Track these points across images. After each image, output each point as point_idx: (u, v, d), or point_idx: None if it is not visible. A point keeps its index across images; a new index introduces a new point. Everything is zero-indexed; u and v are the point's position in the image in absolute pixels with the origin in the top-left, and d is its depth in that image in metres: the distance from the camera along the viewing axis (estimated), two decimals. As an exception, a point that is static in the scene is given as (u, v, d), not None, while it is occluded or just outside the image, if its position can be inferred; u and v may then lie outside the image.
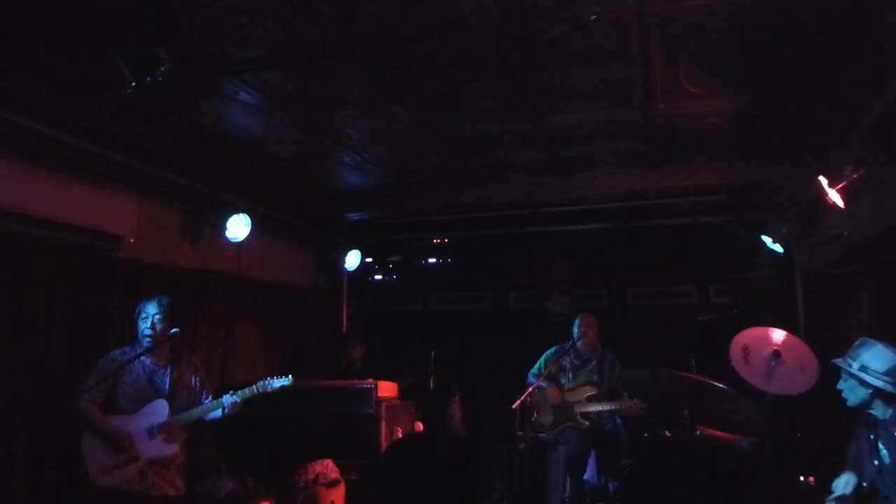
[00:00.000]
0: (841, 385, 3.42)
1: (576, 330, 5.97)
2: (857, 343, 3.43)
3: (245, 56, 3.86)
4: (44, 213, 4.19)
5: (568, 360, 6.03)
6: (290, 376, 4.40)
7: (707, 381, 3.19)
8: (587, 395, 5.84)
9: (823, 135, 4.76)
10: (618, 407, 5.66)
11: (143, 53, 3.16)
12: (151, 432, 4.07)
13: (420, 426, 5.88)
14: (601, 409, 5.77)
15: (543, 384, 5.83)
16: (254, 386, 4.31)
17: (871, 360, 3.25)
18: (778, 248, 5.52)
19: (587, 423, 5.79)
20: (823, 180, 4.32)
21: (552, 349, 6.16)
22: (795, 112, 4.61)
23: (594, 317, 6.02)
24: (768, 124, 4.85)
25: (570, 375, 6.00)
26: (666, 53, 3.89)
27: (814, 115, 4.60)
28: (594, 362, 5.97)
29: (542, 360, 6.12)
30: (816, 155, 4.86)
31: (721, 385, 3.25)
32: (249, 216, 5.67)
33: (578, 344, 5.97)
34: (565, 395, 5.90)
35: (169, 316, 4.22)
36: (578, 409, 5.80)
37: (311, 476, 5.12)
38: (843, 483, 3.35)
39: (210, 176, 5.57)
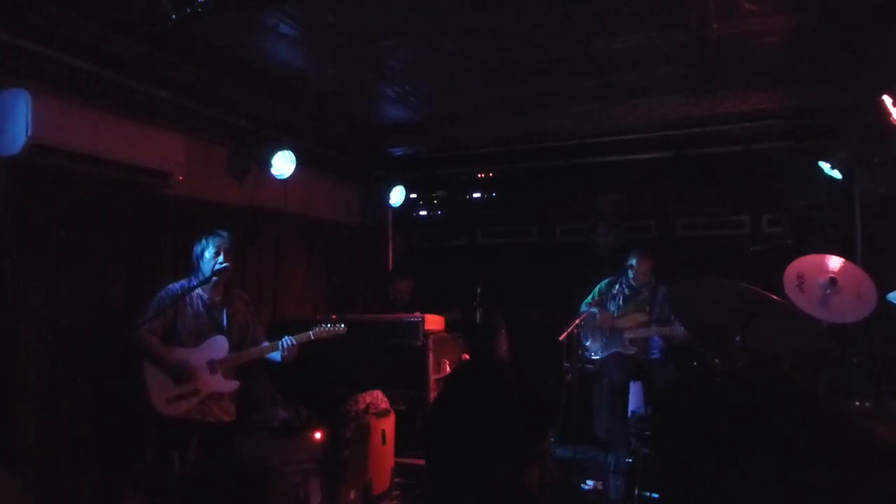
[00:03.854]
0: None
1: (632, 265, 5.92)
2: None
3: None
4: (95, 151, 4.24)
5: (619, 288, 6.02)
6: (343, 325, 4.60)
7: (762, 293, 3.11)
8: (637, 321, 5.83)
9: (887, 52, 4.50)
10: (667, 332, 5.64)
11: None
12: (212, 367, 4.22)
13: (467, 358, 5.96)
14: (649, 333, 5.76)
15: (594, 310, 5.87)
16: (310, 332, 4.48)
17: None
18: (836, 174, 5.31)
19: (635, 349, 5.79)
20: (888, 99, 4.10)
21: (606, 280, 6.14)
22: (857, 29, 4.36)
23: (650, 259, 5.92)
24: (829, 43, 4.59)
25: (620, 302, 5.98)
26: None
27: (877, 31, 4.34)
28: (647, 293, 5.93)
29: (595, 290, 6.12)
30: (879, 74, 4.60)
31: (777, 298, 3.18)
32: (294, 152, 5.68)
33: (632, 280, 5.94)
34: (615, 321, 5.89)
35: (234, 247, 4.35)
36: (628, 336, 5.81)
37: (361, 406, 5.25)
38: None
39: (255, 112, 5.58)
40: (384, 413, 5.32)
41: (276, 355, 4.39)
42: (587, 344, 5.99)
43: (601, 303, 5.97)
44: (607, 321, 5.90)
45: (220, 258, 4.22)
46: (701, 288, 3.60)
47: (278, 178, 5.71)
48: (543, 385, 6.04)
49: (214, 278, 4.23)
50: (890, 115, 4.07)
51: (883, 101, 4.11)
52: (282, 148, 5.63)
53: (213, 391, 4.20)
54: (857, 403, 3.25)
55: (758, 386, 1.24)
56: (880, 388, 3.76)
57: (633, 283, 5.95)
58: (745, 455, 1.16)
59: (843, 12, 4.15)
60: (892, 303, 3.51)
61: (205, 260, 4.25)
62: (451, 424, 1.51)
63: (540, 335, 6.43)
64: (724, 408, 1.21)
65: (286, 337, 4.38)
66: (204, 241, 4.28)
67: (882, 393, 3.63)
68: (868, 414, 3.14)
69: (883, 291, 3.89)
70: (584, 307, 5.96)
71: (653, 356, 5.85)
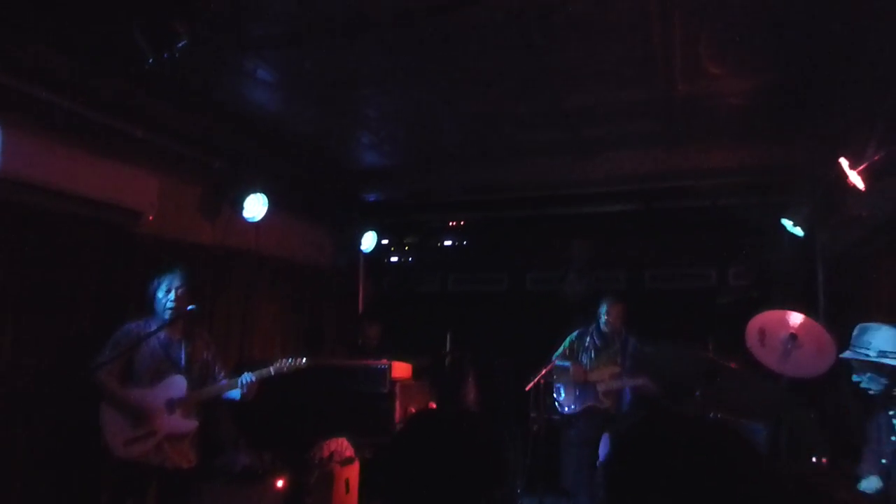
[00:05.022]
0: (857, 377, 3.38)
1: (602, 315, 5.97)
2: (857, 332, 3.39)
3: (263, 32, 3.87)
4: (67, 187, 4.23)
5: (590, 340, 6.05)
6: (304, 359, 4.49)
7: (719, 360, 3.17)
8: (610, 373, 5.84)
9: (846, 115, 4.68)
10: (639, 383, 5.66)
11: (162, 28, 3.17)
12: (170, 407, 4.14)
13: (434, 406, 5.92)
14: (622, 385, 5.78)
15: (567, 363, 5.88)
16: (270, 367, 4.39)
17: (883, 343, 3.22)
18: (798, 231, 5.45)
19: (608, 402, 5.79)
20: (844, 162, 4.25)
21: (575, 332, 6.16)
22: (818, 92, 4.53)
23: (621, 304, 5.98)
24: (790, 104, 4.77)
25: (592, 355, 6.00)
26: (686, 31, 3.83)
27: (837, 94, 4.52)
28: (617, 345, 5.95)
29: (566, 342, 6.12)
30: (839, 135, 4.78)
31: (733, 365, 3.23)
32: (267, 195, 5.68)
33: (603, 328, 5.98)
34: (588, 374, 5.90)
35: (189, 286, 4.29)
36: (601, 388, 5.81)
37: (325, 454, 5.17)
38: (865, 485, 3.31)
39: (229, 153, 5.59)
40: (348, 461, 5.24)
41: (236, 393, 4.31)
42: (561, 399, 5.98)
43: (573, 355, 5.98)
44: (581, 375, 5.89)
45: (172, 296, 4.19)
46: (666, 350, 3.66)
47: (250, 220, 5.70)
48: (508, 434, 6.05)
49: (167, 316, 4.18)
50: (846, 176, 4.21)
51: (840, 163, 4.25)
52: (254, 190, 5.62)
53: (171, 432, 4.11)
54: (814, 459, 3.29)
55: (706, 440, 1.27)
56: (838, 444, 3.81)
57: (603, 331, 5.99)
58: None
59: (802, 76, 4.33)
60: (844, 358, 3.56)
61: (157, 299, 4.22)
62: (405, 474, 1.51)
63: (509, 383, 6.42)
64: (672, 460, 1.23)
65: (245, 373, 4.31)
66: (157, 280, 4.26)
67: (840, 448, 3.68)
68: (822, 472, 3.18)
69: (844, 348, 3.96)
70: (555, 360, 5.96)
71: (623, 409, 5.86)
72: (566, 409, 5.94)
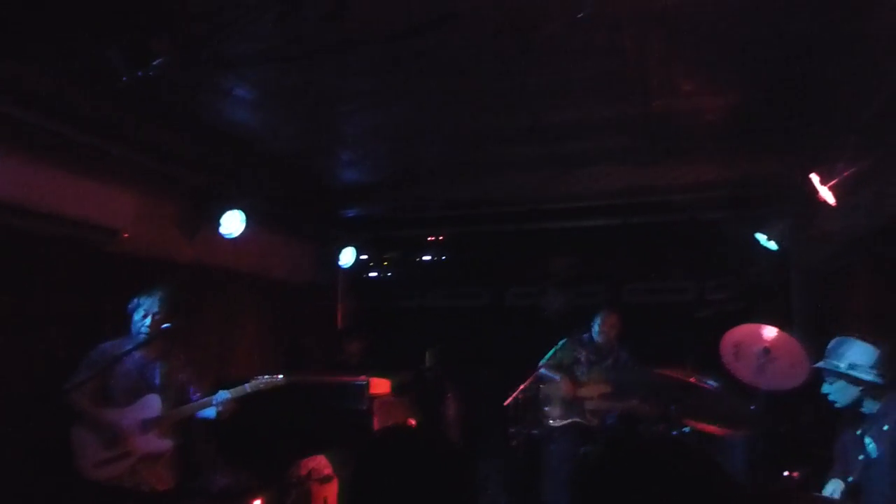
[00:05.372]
0: (827, 388, 3.41)
1: (596, 326, 5.95)
2: (833, 344, 3.43)
3: (241, 51, 3.87)
4: (39, 205, 4.19)
5: (584, 353, 5.99)
6: (281, 376, 4.44)
7: (689, 380, 3.20)
8: (600, 392, 5.79)
9: (819, 130, 4.76)
10: (628, 407, 5.62)
11: (138, 46, 3.17)
12: (145, 427, 4.08)
13: (413, 423, 5.89)
14: (610, 407, 5.74)
15: (556, 376, 5.83)
16: (246, 385, 4.34)
17: (856, 356, 3.26)
18: (772, 245, 5.52)
19: (595, 421, 5.75)
20: (815, 178, 4.32)
21: (565, 340, 6.02)
22: (792, 108, 4.61)
23: (616, 315, 5.97)
24: (765, 120, 4.84)
25: (585, 369, 5.94)
26: (661, 50, 3.88)
27: (809, 110, 4.60)
28: (610, 360, 5.92)
29: (558, 348, 5.99)
30: (812, 151, 4.85)
31: (709, 383, 3.26)
32: (245, 212, 5.64)
33: (598, 340, 5.95)
34: (578, 389, 5.85)
35: (167, 311, 4.23)
36: (589, 406, 5.77)
37: (303, 472, 5.14)
38: (832, 489, 3.35)
39: (207, 170, 5.56)
40: (327, 479, 5.21)
41: (212, 411, 4.24)
42: (546, 409, 5.95)
43: (563, 366, 5.92)
44: (570, 390, 5.83)
45: (147, 321, 4.15)
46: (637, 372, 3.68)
47: (227, 237, 5.66)
48: (491, 450, 6.02)
49: (142, 339, 4.14)
50: (817, 192, 4.28)
51: (811, 178, 4.32)
52: (232, 207, 5.58)
53: (146, 452, 4.05)
54: (786, 473, 3.31)
55: (671, 459, 1.28)
56: (812, 457, 3.84)
57: (598, 343, 5.95)
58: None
59: (776, 93, 4.39)
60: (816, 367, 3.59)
61: (134, 321, 4.18)
62: (372, 492, 1.52)
63: (490, 399, 6.41)
64: (637, 479, 1.25)
65: (221, 391, 4.25)
66: (136, 301, 4.22)
67: (814, 461, 3.71)
68: (792, 485, 3.20)
69: (818, 360, 4.00)
70: (542, 369, 5.89)
71: (606, 423, 5.84)
72: (551, 421, 5.90)
